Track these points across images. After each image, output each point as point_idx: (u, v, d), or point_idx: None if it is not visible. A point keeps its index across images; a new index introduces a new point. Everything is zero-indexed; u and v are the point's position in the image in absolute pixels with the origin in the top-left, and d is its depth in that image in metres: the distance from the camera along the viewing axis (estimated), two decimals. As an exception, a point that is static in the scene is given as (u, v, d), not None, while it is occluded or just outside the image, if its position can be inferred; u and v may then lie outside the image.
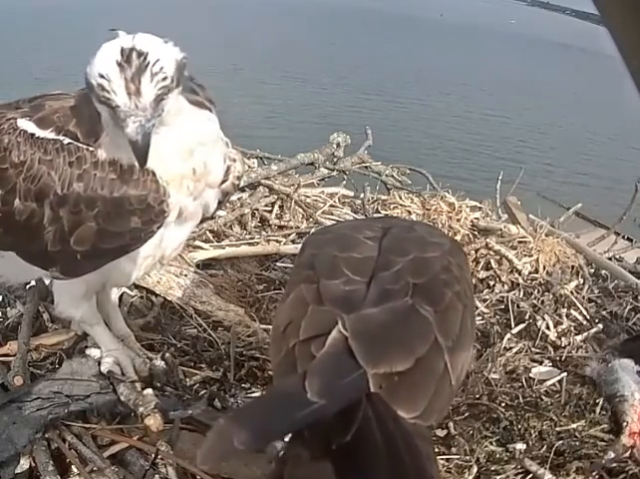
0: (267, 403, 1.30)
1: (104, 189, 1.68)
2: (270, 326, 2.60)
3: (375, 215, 3.84)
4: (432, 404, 1.39)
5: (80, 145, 1.71)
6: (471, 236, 3.54)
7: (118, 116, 1.55)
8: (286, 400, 1.24)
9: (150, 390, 2.10)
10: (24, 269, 1.92)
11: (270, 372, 2.41)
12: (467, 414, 2.28)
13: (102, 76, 1.50)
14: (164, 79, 1.53)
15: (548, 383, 2.46)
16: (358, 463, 1.18)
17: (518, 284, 3.11)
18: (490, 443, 2.14)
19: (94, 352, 2.23)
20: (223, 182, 1.96)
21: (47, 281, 2.61)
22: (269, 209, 3.81)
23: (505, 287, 3.12)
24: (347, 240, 1.77)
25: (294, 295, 1.62)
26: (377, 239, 1.77)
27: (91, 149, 1.71)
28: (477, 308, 2.88)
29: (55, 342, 2.42)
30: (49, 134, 1.75)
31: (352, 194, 4.26)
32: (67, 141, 1.73)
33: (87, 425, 2.04)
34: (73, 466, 1.92)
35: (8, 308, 2.67)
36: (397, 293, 1.53)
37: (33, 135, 1.76)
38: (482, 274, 3.17)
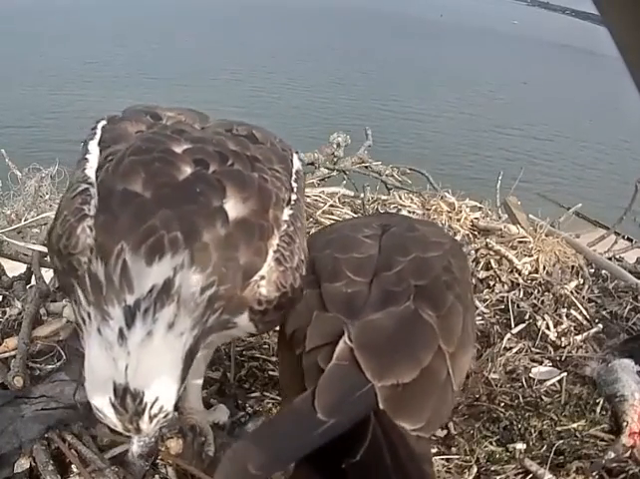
0: (279, 426, 1.29)
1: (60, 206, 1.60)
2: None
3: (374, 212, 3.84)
4: (434, 414, 1.41)
5: (89, 173, 1.59)
6: (471, 236, 3.54)
7: None
8: (298, 421, 1.25)
9: (176, 413, 2.00)
10: None
11: (271, 372, 2.42)
12: (467, 414, 2.28)
13: (97, 409, 1.36)
14: (166, 416, 1.38)
15: (548, 383, 2.45)
16: None
17: (518, 284, 3.11)
18: (490, 443, 2.14)
19: None
20: None
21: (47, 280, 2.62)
22: (269, 208, 3.80)
23: (505, 287, 3.11)
24: (347, 241, 1.77)
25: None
26: (376, 236, 1.78)
27: (88, 181, 1.55)
28: (476, 308, 2.88)
29: (49, 333, 2.42)
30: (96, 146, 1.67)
31: (352, 194, 4.26)
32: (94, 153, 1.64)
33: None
34: (73, 466, 1.92)
35: (8, 308, 2.67)
36: (399, 296, 1.54)
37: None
38: (482, 274, 3.17)
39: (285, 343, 1.59)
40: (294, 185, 1.73)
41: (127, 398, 1.31)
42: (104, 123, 1.75)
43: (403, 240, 1.77)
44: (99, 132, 1.72)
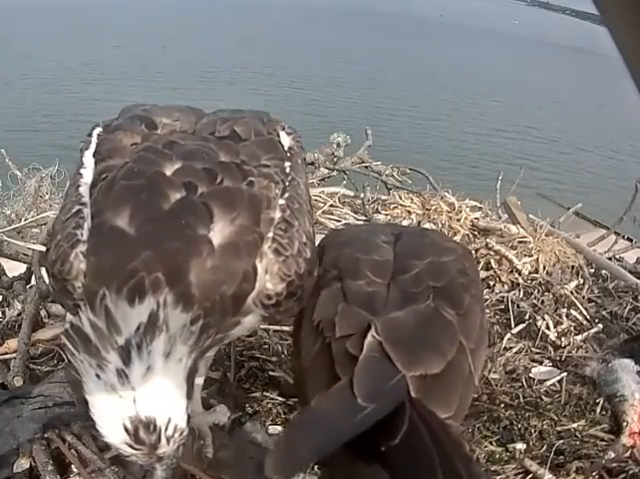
0: (322, 412, 1.32)
1: (60, 212, 1.61)
2: (270, 326, 2.61)
3: (375, 215, 3.84)
4: (461, 404, 1.47)
5: (83, 180, 1.61)
6: (471, 236, 3.54)
7: None
8: (339, 407, 1.29)
9: None
10: None
11: (271, 372, 2.41)
12: (467, 414, 2.27)
13: (116, 447, 1.39)
14: (182, 433, 1.39)
15: (548, 383, 2.46)
16: (410, 465, 1.23)
17: (518, 284, 3.11)
18: (490, 443, 2.14)
19: None
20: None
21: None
22: (269, 209, 3.80)
23: (505, 287, 3.12)
24: (367, 243, 1.82)
25: (324, 294, 1.65)
26: (391, 243, 1.83)
27: (81, 201, 1.56)
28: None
29: (51, 336, 2.42)
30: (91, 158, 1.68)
31: (352, 194, 4.26)
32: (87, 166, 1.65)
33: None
34: (73, 466, 1.92)
35: (7, 308, 2.67)
36: (418, 296, 1.59)
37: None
38: (482, 274, 3.16)
39: (311, 330, 1.61)
40: (287, 165, 1.69)
41: (140, 431, 1.33)
42: (99, 130, 1.74)
43: (417, 246, 1.83)
44: (94, 140, 1.71)
